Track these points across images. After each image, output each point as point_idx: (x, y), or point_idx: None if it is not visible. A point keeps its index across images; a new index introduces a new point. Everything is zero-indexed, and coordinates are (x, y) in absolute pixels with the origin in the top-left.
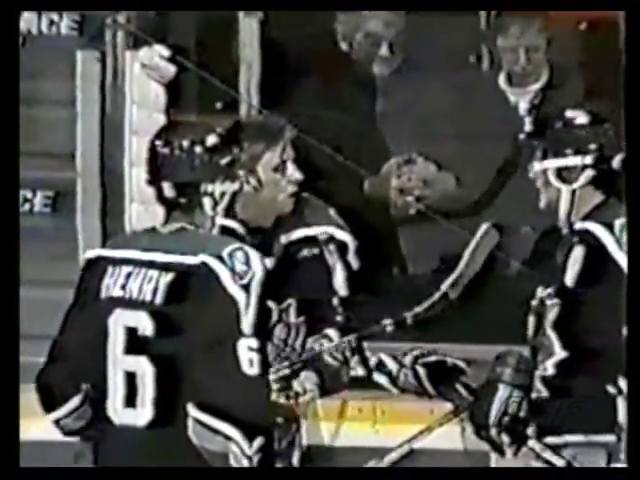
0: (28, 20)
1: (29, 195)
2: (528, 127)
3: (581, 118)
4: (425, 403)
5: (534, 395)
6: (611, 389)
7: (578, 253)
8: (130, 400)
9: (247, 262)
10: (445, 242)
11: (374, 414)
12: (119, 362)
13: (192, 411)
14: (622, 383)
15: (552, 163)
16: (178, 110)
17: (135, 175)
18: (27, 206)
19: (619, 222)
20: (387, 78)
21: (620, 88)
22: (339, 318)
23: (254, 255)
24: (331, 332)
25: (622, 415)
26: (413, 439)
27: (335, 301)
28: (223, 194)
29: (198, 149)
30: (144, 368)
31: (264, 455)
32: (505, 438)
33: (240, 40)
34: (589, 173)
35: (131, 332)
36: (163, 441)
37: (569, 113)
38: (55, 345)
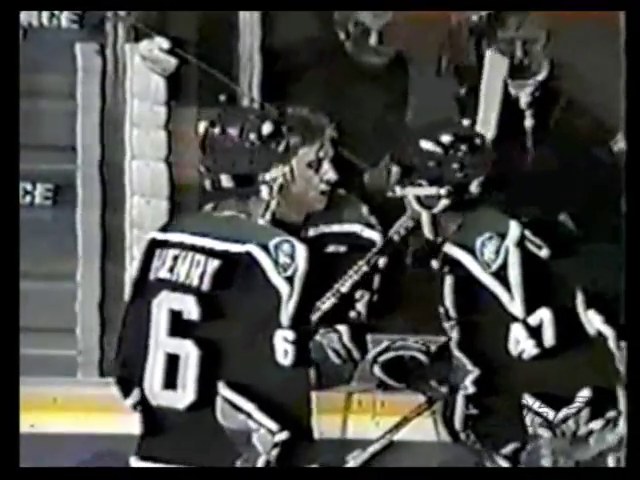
0: (28, 13)
1: (29, 188)
2: (529, 120)
3: (434, 147)
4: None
5: (467, 412)
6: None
7: (448, 283)
8: (169, 382)
9: (292, 255)
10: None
11: (374, 406)
12: (161, 344)
13: (222, 390)
14: (528, 399)
15: (409, 191)
16: (179, 103)
17: (136, 168)
18: (27, 199)
19: (479, 240)
20: (384, 69)
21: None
22: (352, 314)
23: (300, 248)
24: (342, 327)
25: (530, 424)
26: (390, 432)
27: (358, 296)
28: (275, 179)
29: (252, 137)
30: (188, 351)
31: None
32: (473, 438)
33: (241, 32)
34: (445, 202)
35: (175, 315)
36: (198, 423)
37: (423, 143)
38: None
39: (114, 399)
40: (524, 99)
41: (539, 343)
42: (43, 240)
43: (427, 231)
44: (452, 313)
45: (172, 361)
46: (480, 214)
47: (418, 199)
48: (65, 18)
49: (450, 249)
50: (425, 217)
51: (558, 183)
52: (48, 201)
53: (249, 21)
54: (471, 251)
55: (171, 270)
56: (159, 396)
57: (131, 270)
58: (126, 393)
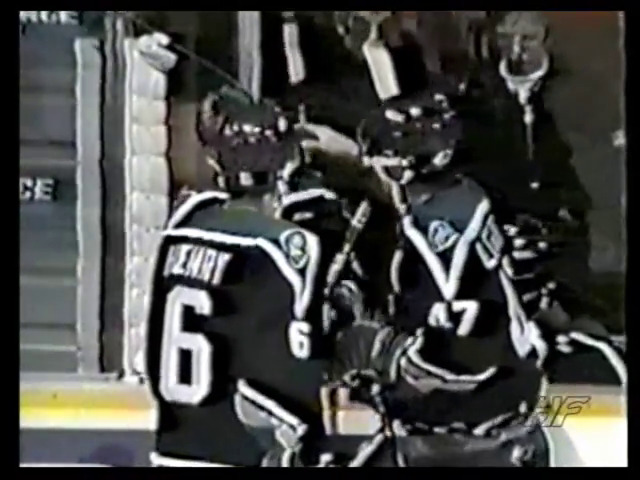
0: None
1: (29, 183)
2: (528, 115)
3: (398, 118)
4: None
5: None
6: None
7: (396, 259)
8: (183, 377)
9: (303, 247)
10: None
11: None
12: (174, 339)
13: (242, 388)
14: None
15: (376, 161)
16: (178, 98)
17: (136, 163)
18: (27, 194)
19: (433, 225)
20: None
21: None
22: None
23: (311, 240)
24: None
25: None
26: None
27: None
28: (291, 174)
29: (269, 133)
30: (201, 346)
31: (310, 437)
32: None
33: (240, 28)
34: (409, 173)
35: (188, 310)
36: (215, 418)
37: (388, 114)
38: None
39: (115, 394)
40: (523, 94)
41: (454, 329)
42: (43, 235)
43: (396, 202)
44: (396, 287)
45: (185, 356)
46: (449, 192)
47: (386, 170)
48: (64, 14)
49: (405, 229)
50: (394, 187)
51: (557, 178)
52: (48, 196)
53: (248, 16)
54: (423, 231)
55: (184, 265)
56: (174, 391)
57: (132, 266)
58: (155, 387)
